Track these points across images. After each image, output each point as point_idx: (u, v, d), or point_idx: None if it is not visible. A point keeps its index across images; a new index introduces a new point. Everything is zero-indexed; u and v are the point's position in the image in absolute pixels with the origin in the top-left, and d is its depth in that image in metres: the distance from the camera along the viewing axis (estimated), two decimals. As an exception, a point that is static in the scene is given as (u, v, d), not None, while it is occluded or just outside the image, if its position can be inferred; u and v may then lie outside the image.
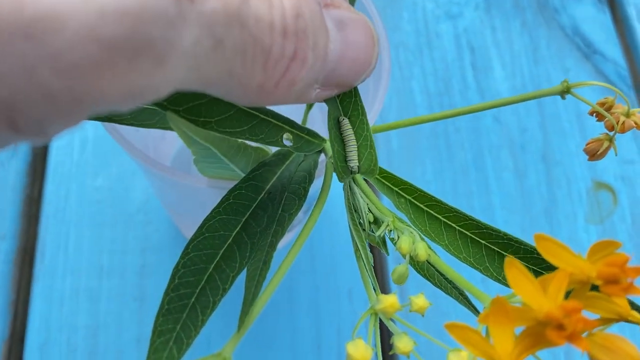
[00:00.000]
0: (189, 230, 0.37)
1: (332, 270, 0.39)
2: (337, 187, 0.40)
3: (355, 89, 0.18)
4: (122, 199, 0.40)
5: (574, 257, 0.13)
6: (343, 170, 0.19)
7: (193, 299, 0.16)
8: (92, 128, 0.42)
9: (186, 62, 0.12)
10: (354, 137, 0.18)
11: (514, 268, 0.13)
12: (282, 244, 0.37)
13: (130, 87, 0.12)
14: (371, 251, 0.21)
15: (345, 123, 0.18)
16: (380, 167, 0.21)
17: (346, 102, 0.18)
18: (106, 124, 0.23)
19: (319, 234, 0.40)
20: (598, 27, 0.49)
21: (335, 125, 0.18)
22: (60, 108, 0.11)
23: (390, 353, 0.16)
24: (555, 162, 0.44)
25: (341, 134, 0.19)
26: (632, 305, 0.17)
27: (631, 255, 0.13)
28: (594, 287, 0.15)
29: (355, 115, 0.18)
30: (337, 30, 0.16)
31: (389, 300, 0.15)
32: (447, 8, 0.49)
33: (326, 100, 0.18)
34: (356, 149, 0.19)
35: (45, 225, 0.39)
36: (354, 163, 0.19)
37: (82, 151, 0.41)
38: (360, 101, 0.18)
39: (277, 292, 0.38)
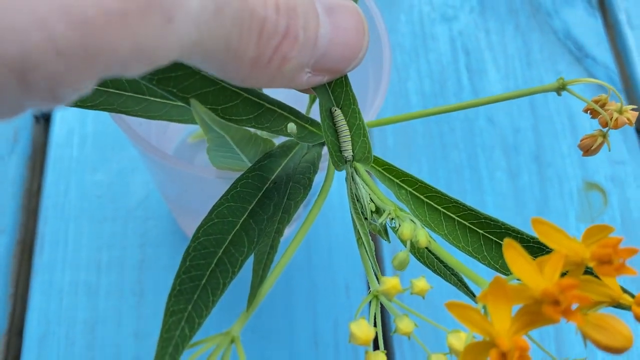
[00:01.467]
0: (189, 226, 0.38)
1: (329, 266, 0.40)
2: (335, 185, 0.41)
3: (346, 79, 0.19)
4: (122, 194, 0.40)
5: (569, 239, 0.14)
6: (338, 159, 0.19)
7: (204, 281, 0.16)
8: (92, 124, 0.42)
9: (191, 25, 0.13)
10: (347, 127, 0.19)
11: (512, 249, 0.13)
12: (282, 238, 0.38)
13: (140, 43, 0.12)
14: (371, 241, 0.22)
15: (338, 113, 0.19)
16: (381, 159, 0.22)
17: (337, 92, 0.19)
18: (114, 114, 0.23)
19: (316, 231, 0.41)
20: (590, 32, 0.50)
21: (328, 116, 0.19)
22: (72, 64, 0.11)
23: (392, 334, 0.16)
24: (547, 163, 0.45)
25: (334, 124, 0.19)
26: (624, 290, 0.18)
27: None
28: (588, 272, 0.16)
29: (347, 105, 0.19)
30: (327, 15, 0.16)
31: (391, 282, 0.16)
32: (443, 11, 0.50)
33: (318, 91, 0.18)
34: (349, 138, 0.19)
35: (44, 219, 0.39)
36: (348, 152, 0.19)
37: (81, 147, 0.41)
38: (352, 91, 0.19)
39: (275, 287, 0.39)
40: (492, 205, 0.43)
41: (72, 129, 0.42)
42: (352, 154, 0.19)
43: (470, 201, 0.43)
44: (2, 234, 0.39)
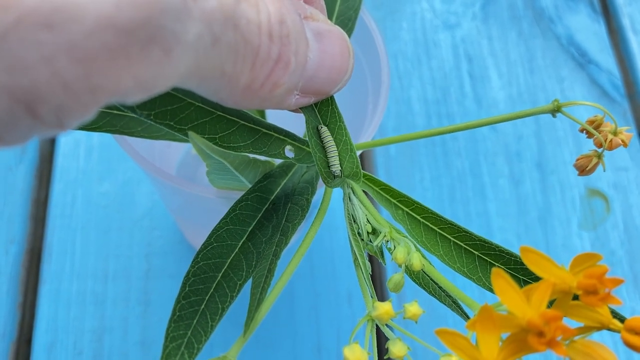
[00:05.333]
0: (193, 235, 0.38)
1: (332, 276, 0.40)
2: (337, 196, 0.41)
3: (332, 98, 0.19)
4: (128, 204, 0.41)
5: (557, 268, 0.15)
6: (327, 174, 0.20)
7: (203, 306, 0.17)
8: (98, 136, 0.43)
9: (189, 55, 0.13)
10: (334, 143, 0.20)
11: (500, 278, 0.14)
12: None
13: (141, 75, 0.12)
14: (370, 259, 0.22)
15: (325, 131, 0.20)
16: (379, 180, 0.22)
17: (324, 111, 0.19)
18: (117, 136, 0.24)
19: (319, 242, 0.41)
20: (593, 38, 0.50)
21: (315, 134, 0.19)
22: (77, 96, 0.12)
23: (385, 357, 0.17)
24: (550, 170, 0.45)
25: (321, 141, 0.20)
26: (614, 314, 0.18)
27: (624, 262, 0.14)
28: (578, 297, 0.16)
29: (333, 122, 0.19)
30: (315, 40, 0.17)
31: (384, 308, 0.16)
32: (445, 18, 0.50)
33: (304, 111, 0.19)
34: (337, 154, 0.20)
35: (52, 229, 0.40)
36: (335, 167, 0.20)
37: (88, 158, 0.42)
38: (337, 109, 0.19)
39: (279, 297, 0.39)
40: (495, 212, 0.43)
41: (79, 140, 0.43)
42: (340, 169, 0.20)
43: (473, 208, 0.43)
44: (12, 243, 0.39)
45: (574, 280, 0.14)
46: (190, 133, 0.16)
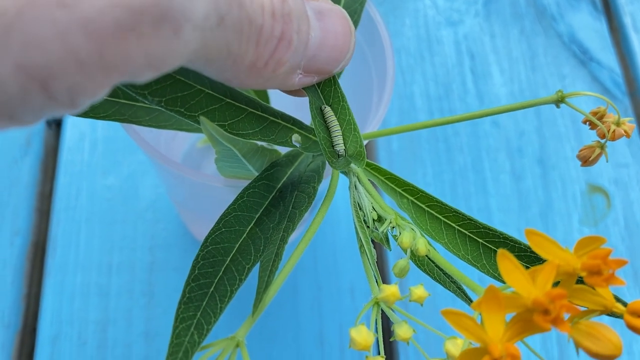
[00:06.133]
0: (197, 228, 0.38)
1: (335, 269, 0.40)
2: (340, 190, 0.42)
3: (335, 78, 0.20)
4: (132, 197, 0.41)
5: (561, 250, 0.15)
6: (331, 154, 0.20)
7: (212, 289, 0.17)
8: (102, 129, 0.43)
9: (197, 34, 0.14)
10: (337, 123, 0.20)
11: (505, 259, 0.14)
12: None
13: (151, 53, 0.13)
14: (374, 248, 0.22)
15: (328, 111, 0.20)
16: (384, 169, 0.22)
17: (327, 91, 0.20)
18: (125, 124, 0.24)
19: (322, 235, 0.41)
20: (594, 35, 0.50)
21: (318, 114, 0.20)
22: (90, 73, 0.12)
23: (391, 339, 0.17)
24: (551, 166, 0.45)
25: (325, 121, 0.20)
26: (617, 299, 0.18)
27: (624, 258, 0.15)
28: (582, 282, 0.17)
29: (336, 103, 0.20)
30: (317, 19, 0.17)
31: (391, 290, 0.16)
32: (448, 15, 0.51)
33: (308, 91, 0.19)
34: (340, 133, 0.20)
35: (56, 222, 0.40)
36: (340, 147, 0.20)
37: (92, 151, 0.42)
38: (340, 89, 0.20)
39: (282, 290, 0.40)
40: (496, 207, 0.43)
41: (83, 133, 0.43)
42: (344, 148, 0.20)
43: (474, 203, 0.43)
44: (17, 235, 0.40)
45: (578, 262, 0.15)
46: (202, 118, 0.16)
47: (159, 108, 0.17)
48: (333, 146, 0.20)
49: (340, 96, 0.19)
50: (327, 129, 0.19)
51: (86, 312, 0.38)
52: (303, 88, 0.19)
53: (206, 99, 0.18)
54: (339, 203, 0.42)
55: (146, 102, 0.17)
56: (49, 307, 0.38)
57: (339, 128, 0.19)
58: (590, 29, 0.51)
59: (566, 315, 0.14)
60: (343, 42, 0.18)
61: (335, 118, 0.19)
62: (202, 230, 0.38)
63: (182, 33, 0.13)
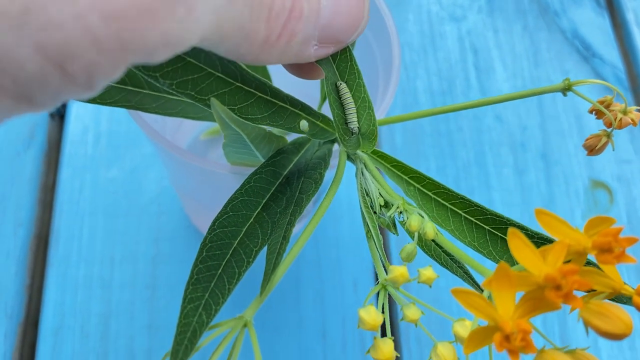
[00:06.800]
0: (201, 220, 0.38)
1: (338, 263, 0.40)
2: (344, 185, 0.42)
3: (351, 54, 0.19)
4: (136, 190, 0.41)
5: (571, 230, 0.15)
6: (344, 131, 0.20)
7: (220, 270, 0.17)
8: (106, 123, 0.43)
9: (209, 12, 0.14)
10: (352, 100, 0.20)
11: (516, 238, 0.14)
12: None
13: (166, 33, 0.13)
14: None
15: (343, 87, 0.20)
16: (390, 157, 0.22)
17: (342, 67, 0.19)
18: (132, 112, 0.24)
19: (325, 229, 0.41)
20: (597, 31, 0.50)
21: (333, 90, 0.20)
22: (107, 53, 0.12)
23: (400, 320, 0.17)
24: (554, 161, 0.45)
25: (340, 97, 0.20)
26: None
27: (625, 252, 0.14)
28: (591, 264, 0.17)
29: (352, 79, 0.20)
30: None
31: (399, 270, 0.16)
32: (451, 10, 0.51)
33: (323, 67, 0.19)
34: (355, 111, 0.20)
35: (59, 214, 0.40)
36: (353, 124, 0.20)
37: (96, 144, 0.42)
38: (356, 65, 0.19)
39: (285, 283, 0.39)
40: (499, 202, 0.43)
41: (87, 126, 0.43)
42: (357, 126, 0.20)
43: (477, 198, 0.43)
44: (20, 227, 0.40)
45: (588, 241, 0.15)
46: (213, 100, 0.16)
47: (170, 91, 0.17)
48: (346, 123, 0.20)
49: (357, 73, 0.19)
50: (342, 105, 0.19)
51: (89, 304, 0.38)
52: (318, 63, 0.19)
53: (216, 82, 0.18)
54: (343, 198, 0.42)
55: (157, 84, 0.17)
56: (51, 299, 0.38)
57: (354, 105, 0.19)
58: (593, 24, 0.51)
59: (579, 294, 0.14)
60: (356, 9, 0.18)
61: (350, 95, 0.19)
62: (206, 222, 0.38)
63: (195, 12, 0.13)
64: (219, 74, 0.18)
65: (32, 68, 0.12)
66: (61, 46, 0.12)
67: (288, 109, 0.20)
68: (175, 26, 0.13)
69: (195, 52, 0.17)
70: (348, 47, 0.19)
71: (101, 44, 0.12)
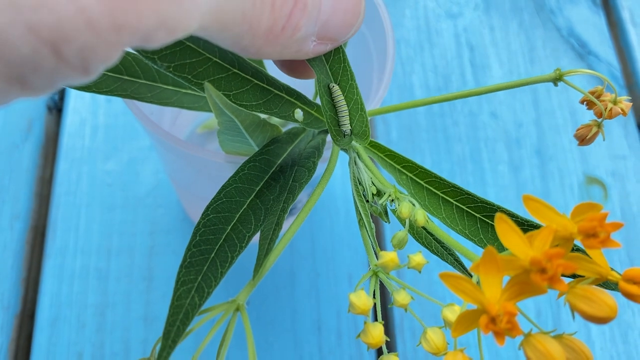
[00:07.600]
0: (197, 214, 0.39)
1: (332, 256, 0.40)
2: (338, 177, 0.42)
3: (344, 55, 0.20)
4: (132, 183, 0.41)
5: (558, 215, 0.15)
6: (337, 133, 0.20)
7: (213, 254, 0.17)
8: (103, 116, 0.43)
9: None
10: (344, 102, 0.20)
11: (503, 223, 0.14)
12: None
13: (163, 15, 0.13)
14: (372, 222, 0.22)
15: (336, 89, 0.20)
16: (384, 146, 0.23)
17: (335, 69, 0.20)
18: (128, 102, 0.24)
19: (320, 222, 0.42)
20: (593, 29, 0.51)
21: (326, 92, 0.20)
22: (102, 34, 0.12)
23: (389, 306, 0.17)
24: (549, 157, 0.45)
25: (332, 99, 0.20)
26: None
27: (621, 250, 0.15)
28: (578, 250, 0.17)
29: (344, 81, 0.20)
30: None
31: (389, 256, 0.17)
32: (448, 7, 0.51)
33: (316, 68, 0.19)
34: (347, 113, 0.20)
35: (56, 206, 0.40)
36: (346, 126, 0.20)
37: (93, 137, 0.43)
38: (349, 67, 0.20)
39: (279, 276, 0.40)
40: (494, 197, 0.44)
41: (84, 119, 0.43)
42: (350, 128, 0.20)
43: (472, 194, 0.44)
44: (17, 219, 0.40)
45: (575, 227, 0.15)
46: (207, 84, 0.16)
47: (163, 74, 0.17)
48: (339, 125, 0.20)
49: (349, 74, 0.19)
50: (334, 107, 0.20)
51: (85, 295, 0.38)
52: (311, 64, 0.19)
53: (214, 68, 0.18)
54: (337, 191, 0.43)
55: (155, 66, 0.17)
56: (48, 290, 0.38)
57: (347, 107, 0.19)
58: (588, 22, 0.51)
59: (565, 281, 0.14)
60: (354, 6, 0.18)
61: (343, 97, 0.19)
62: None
63: None
64: (217, 59, 0.18)
65: (25, 50, 0.12)
66: (55, 27, 0.12)
67: (283, 97, 0.20)
68: (172, 9, 0.13)
69: (194, 38, 0.17)
70: (342, 47, 0.19)
71: (95, 25, 0.12)
